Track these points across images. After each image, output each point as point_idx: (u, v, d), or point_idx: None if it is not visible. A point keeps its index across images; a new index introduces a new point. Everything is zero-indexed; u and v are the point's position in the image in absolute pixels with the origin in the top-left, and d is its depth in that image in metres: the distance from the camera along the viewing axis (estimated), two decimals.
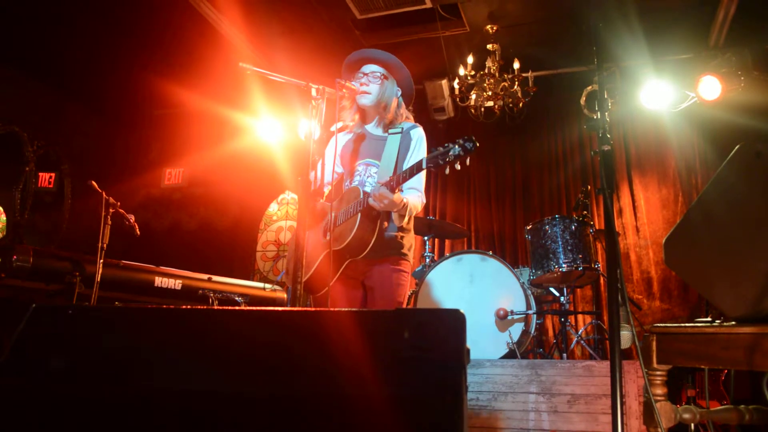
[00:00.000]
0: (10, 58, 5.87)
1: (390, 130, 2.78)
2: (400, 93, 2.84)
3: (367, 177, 2.72)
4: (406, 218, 2.60)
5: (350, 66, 2.86)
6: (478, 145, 2.16)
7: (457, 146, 2.16)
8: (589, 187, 5.16)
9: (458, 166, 2.20)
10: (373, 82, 2.75)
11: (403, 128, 2.77)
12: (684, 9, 5.18)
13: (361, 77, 2.77)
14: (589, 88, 5.79)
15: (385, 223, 2.62)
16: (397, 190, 2.44)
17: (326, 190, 2.91)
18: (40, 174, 6.26)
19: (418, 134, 2.75)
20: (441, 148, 2.22)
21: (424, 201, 2.72)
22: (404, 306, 2.72)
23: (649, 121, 6.12)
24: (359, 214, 2.52)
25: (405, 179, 2.41)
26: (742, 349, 1.49)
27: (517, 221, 6.47)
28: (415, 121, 2.89)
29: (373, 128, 2.86)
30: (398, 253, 2.68)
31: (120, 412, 1.13)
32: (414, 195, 2.64)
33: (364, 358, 1.08)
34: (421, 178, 2.69)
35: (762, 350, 1.43)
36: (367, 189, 2.60)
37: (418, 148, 2.74)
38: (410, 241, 2.76)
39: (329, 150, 2.93)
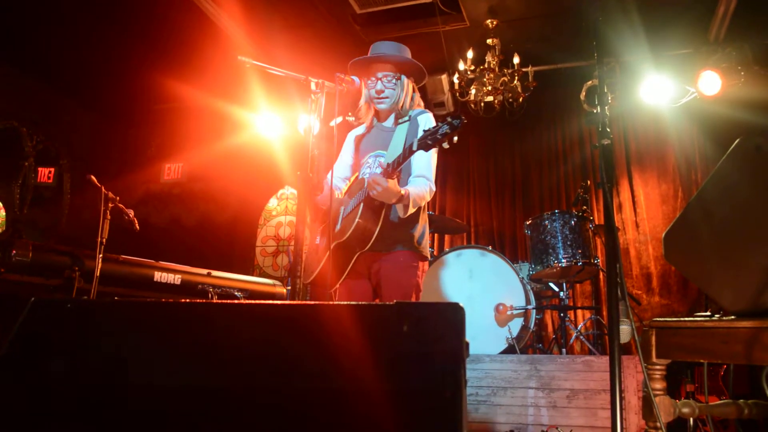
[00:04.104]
0: (8, 55, 5.84)
1: (399, 120, 2.77)
2: (412, 82, 2.83)
3: (376, 168, 2.71)
4: (411, 208, 2.52)
5: (362, 64, 2.81)
6: (465, 121, 2.17)
7: (445, 125, 2.18)
8: (588, 182, 5.14)
9: (446, 145, 2.21)
10: (388, 87, 2.74)
11: (411, 116, 2.75)
12: (684, 4, 5.17)
13: (376, 83, 2.74)
14: (589, 83, 5.78)
15: (389, 213, 2.58)
16: (394, 176, 2.40)
17: (343, 185, 2.91)
18: (40, 169, 6.24)
19: (426, 119, 2.72)
20: (430, 129, 2.24)
21: (434, 188, 2.65)
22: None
23: (649, 116, 6.11)
24: (361, 204, 2.51)
25: (400, 164, 2.40)
26: (742, 344, 1.49)
27: (517, 216, 6.47)
28: None
29: (385, 120, 2.87)
30: (407, 245, 2.62)
31: (119, 407, 1.13)
32: (420, 183, 2.59)
33: (363, 352, 1.08)
34: (428, 164, 2.65)
35: (761, 344, 1.43)
36: None
37: None
38: (421, 231, 2.69)
39: (347, 143, 2.94)
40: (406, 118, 2.75)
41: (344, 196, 2.79)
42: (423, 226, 2.72)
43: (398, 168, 2.41)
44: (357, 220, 2.50)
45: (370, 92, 2.77)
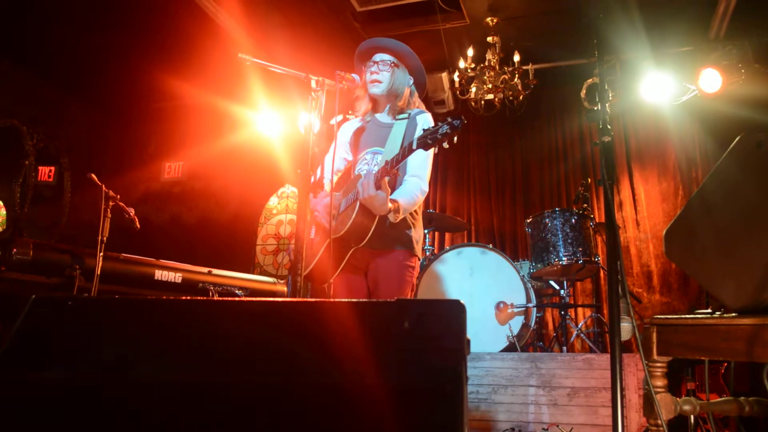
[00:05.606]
0: (8, 52, 5.85)
1: (398, 117, 2.76)
2: (412, 81, 2.83)
3: (374, 165, 2.70)
4: (401, 215, 2.53)
5: (362, 55, 2.85)
6: (465, 122, 2.17)
7: (445, 125, 2.18)
8: (589, 180, 5.16)
9: (446, 144, 2.20)
10: (383, 71, 2.73)
11: (410, 114, 2.75)
12: (684, 1, 5.16)
13: (372, 66, 2.76)
14: (590, 80, 5.78)
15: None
16: (383, 183, 2.39)
17: (335, 178, 2.90)
18: (40, 168, 6.24)
19: (425, 119, 2.72)
20: (430, 128, 2.23)
21: (426, 190, 2.65)
22: None
23: (650, 114, 6.10)
24: (358, 201, 2.52)
25: (399, 161, 2.39)
26: (743, 341, 1.48)
27: (517, 214, 6.47)
28: None
29: (382, 116, 2.85)
30: (405, 246, 2.64)
31: (119, 404, 1.13)
32: (412, 188, 2.60)
33: (364, 349, 1.08)
34: (423, 163, 2.65)
35: (762, 341, 1.43)
36: None
37: None
38: (419, 234, 2.72)
39: (340, 136, 2.92)
40: (405, 115, 2.75)
41: (341, 190, 2.78)
42: (419, 226, 2.75)
43: (396, 166, 2.41)
44: (354, 216, 2.50)
45: (366, 78, 2.77)
